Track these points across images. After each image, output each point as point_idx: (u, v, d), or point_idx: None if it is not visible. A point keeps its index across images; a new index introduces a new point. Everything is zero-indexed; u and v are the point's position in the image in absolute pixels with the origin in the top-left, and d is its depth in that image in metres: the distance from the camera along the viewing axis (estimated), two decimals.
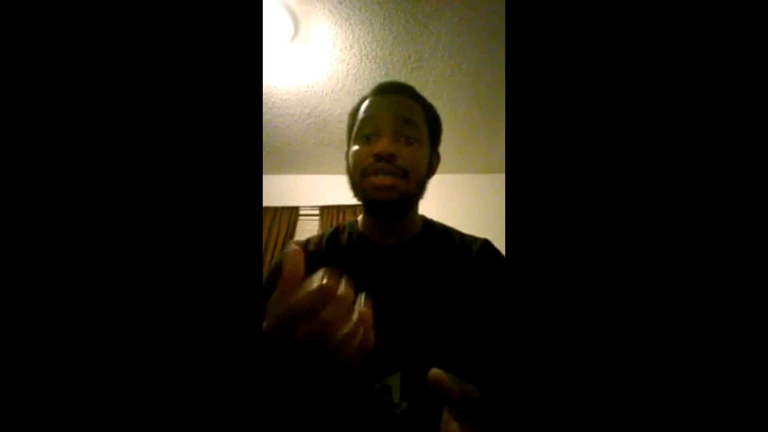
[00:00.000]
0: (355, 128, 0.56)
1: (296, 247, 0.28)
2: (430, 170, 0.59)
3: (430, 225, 0.62)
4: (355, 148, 0.55)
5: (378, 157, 0.51)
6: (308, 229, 2.52)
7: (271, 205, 2.53)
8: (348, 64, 1.70)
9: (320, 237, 0.63)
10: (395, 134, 0.52)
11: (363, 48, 1.60)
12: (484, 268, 0.54)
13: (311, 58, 1.66)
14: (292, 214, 2.53)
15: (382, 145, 0.51)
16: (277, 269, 0.58)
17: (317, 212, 2.54)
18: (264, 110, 2.01)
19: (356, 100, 0.61)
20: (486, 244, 0.59)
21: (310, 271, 0.55)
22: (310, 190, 2.61)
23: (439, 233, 0.60)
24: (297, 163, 2.55)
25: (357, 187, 0.55)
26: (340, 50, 1.61)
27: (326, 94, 1.90)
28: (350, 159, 0.56)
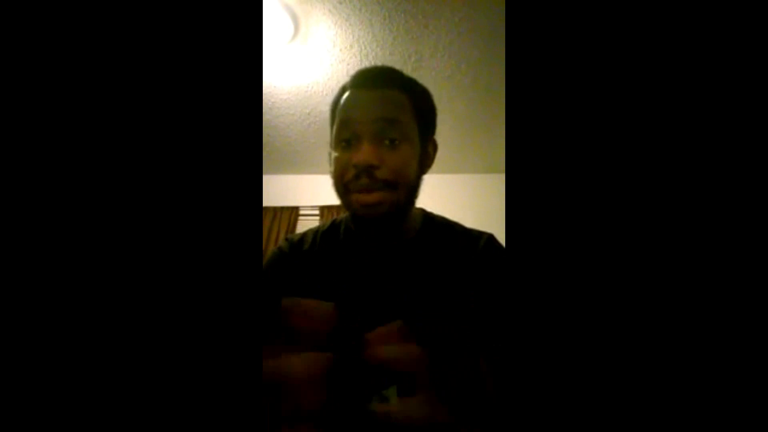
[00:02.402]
0: (335, 129, 0.50)
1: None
2: (424, 165, 0.53)
3: (429, 219, 0.59)
4: (336, 154, 0.49)
5: (357, 169, 0.45)
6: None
7: (271, 205, 2.53)
8: (348, 64, 1.70)
9: (315, 234, 0.59)
10: (376, 139, 0.46)
11: (363, 48, 1.60)
12: (488, 264, 0.52)
13: (311, 58, 1.66)
14: (292, 214, 2.53)
15: (362, 155, 0.45)
16: (270, 269, 0.56)
17: (317, 212, 2.55)
18: (264, 110, 2.01)
19: None
20: (491, 239, 0.56)
21: (307, 270, 0.54)
22: (310, 190, 2.61)
23: (439, 229, 0.57)
24: (297, 163, 2.55)
25: (342, 199, 0.51)
26: (340, 50, 1.62)
27: (326, 94, 1.90)
28: (332, 166, 0.51)
